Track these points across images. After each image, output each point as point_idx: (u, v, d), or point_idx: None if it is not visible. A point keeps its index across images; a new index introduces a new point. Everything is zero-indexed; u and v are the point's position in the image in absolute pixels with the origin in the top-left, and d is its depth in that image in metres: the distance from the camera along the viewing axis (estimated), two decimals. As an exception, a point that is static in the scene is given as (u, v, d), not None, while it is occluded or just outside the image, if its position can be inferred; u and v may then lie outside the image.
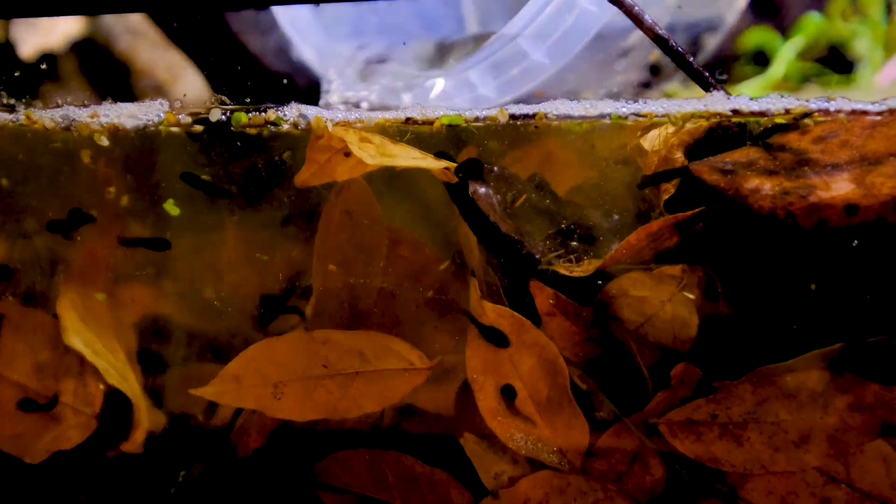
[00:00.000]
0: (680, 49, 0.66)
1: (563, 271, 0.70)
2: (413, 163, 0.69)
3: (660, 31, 0.67)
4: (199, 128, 0.71)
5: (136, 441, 0.79)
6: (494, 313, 0.71)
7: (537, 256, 0.71)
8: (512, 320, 0.71)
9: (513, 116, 0.69)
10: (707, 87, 0.67)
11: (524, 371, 0.71)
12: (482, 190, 0.71)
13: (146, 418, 0.79)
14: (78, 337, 0.78)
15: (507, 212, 0.72)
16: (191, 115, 0.71)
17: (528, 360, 0.71)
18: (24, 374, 0.80)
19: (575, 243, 0.71)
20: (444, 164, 0.69)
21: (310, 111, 0.70)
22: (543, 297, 0.71)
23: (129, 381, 0.79)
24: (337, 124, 0.69)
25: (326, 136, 0.69)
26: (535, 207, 0.72)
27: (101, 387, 0.79)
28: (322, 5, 1.08)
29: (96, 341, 0.79)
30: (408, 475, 0.75)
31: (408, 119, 0.69)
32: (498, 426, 0.72)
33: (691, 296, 0.69)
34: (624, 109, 0.67)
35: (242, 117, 0.69)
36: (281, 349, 0.74)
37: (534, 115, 0.68)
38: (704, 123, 0.68)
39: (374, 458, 0.75)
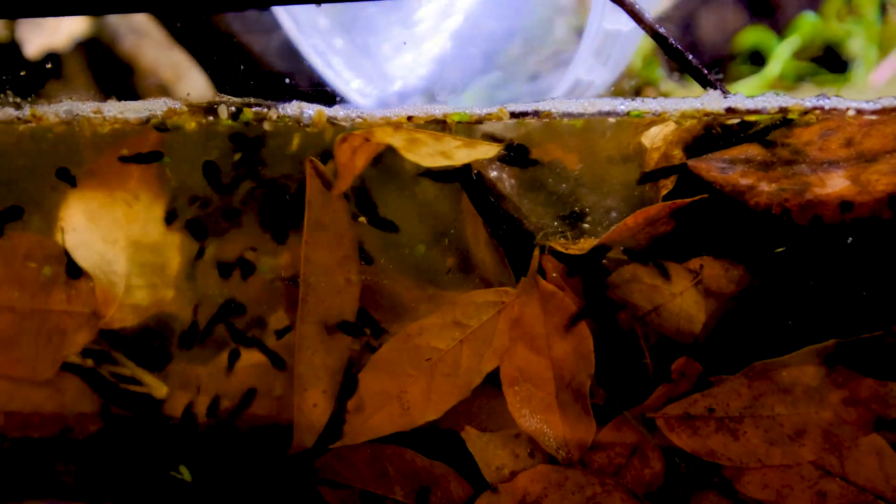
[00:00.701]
0: (679, 47, 0.67)
1: (558, 248, 0.71)
2: (472, 156, 0.69)
3: (659, 29, 0.67)
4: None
5: (103, 312, 0.78)
6: (547, 293, 0.71)
7: (537, 234, 0.72)
8: (561, 304, 0.71)
9: (512, 114, 0.69)
10: (706, 84, 0.68)
11: (557, 354, 0.71)
12: (493, 173, 0.72)
13: (117, 295, 0.79)
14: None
15: (515, 192, 0.73)
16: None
17: (564, 347, 0.71)
18: (13, 298, 0.79)
19: (575, 228, 0.72)
20: (496, 147, 0.70)
21: (312, 108, 0.70)
22: (552, 270, 0.72)
23: (106, 262, 0.78)
24: (376, 123, 0.70)
25: (351, 138, 0.70)
26: (543, 191, 0.73)
27: (91, 284, 0.79)
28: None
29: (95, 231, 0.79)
30: (408, 469, 0.75)
31: (410, 117, 0.70)
32: (512, 395, 0.72)
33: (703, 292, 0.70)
34: (622, 107, 0.68)
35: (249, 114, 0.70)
36: (387, 361, 0.74)
37: (533, 113, 0.69)
38: (702, 121, 0.68)
39: (375, 452, 0.75)
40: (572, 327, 0.71)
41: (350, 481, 0.76)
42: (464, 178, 0.72)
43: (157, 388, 0.81)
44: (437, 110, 0.70)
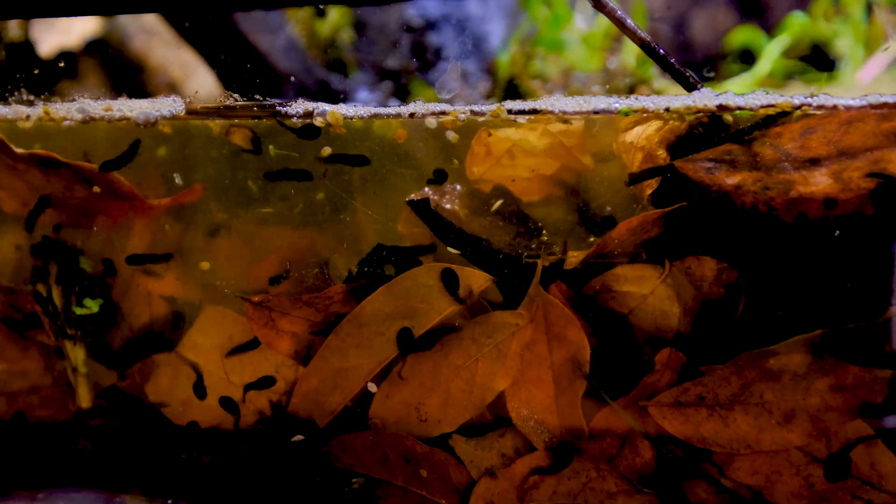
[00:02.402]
0: (662, 51, 0.67)
1: (546, 263, 0.72)
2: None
3: (642, 35, 0.68)
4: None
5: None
6: (549, 305, 0.73)
7: (523, 253, 0.73)
8: (562, 315, 0.72)
9: (510, 113, 0.70)
10: (690, 87, 0.68)
11: (557, 360, 0.73)
12: (447, 206, 0.74)
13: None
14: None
15: (476, 217, 0.74)
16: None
17: (564, 354, 0.73)
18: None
19: (555, 238, 0.73)
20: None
21: (316, 107, 0.72)
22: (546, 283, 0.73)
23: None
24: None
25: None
26: (506, 212, 0.74)
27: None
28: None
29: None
30: (409, 455, 0.76)
31: (411, 114, 0.71)
32: (512, 394, 0.74)
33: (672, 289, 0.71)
34: (617, 105, 0.68)
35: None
36: (408, 374, 0.75)
37: (532, 111, 0.70)
38: (689, 119, 0.68)
39: (377, 440, 0.76)
40: (571, 337, 0.72)
41: (354, 468, 0.77)
42: (424, 212, 0.74)
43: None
44: (438, 108, 0.71)
